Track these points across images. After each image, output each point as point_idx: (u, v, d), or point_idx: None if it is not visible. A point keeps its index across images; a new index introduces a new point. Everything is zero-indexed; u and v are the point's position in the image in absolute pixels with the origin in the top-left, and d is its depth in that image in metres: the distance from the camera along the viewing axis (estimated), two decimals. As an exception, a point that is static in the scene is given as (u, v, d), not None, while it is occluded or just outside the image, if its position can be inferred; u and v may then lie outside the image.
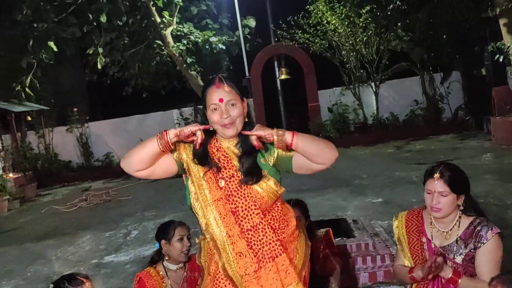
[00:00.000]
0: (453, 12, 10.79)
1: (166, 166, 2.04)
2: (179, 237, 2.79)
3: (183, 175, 2.11)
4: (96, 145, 13.43)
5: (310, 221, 3.18)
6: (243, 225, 1.95)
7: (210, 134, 2.04)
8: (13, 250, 6.53)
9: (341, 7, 11.74)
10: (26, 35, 11.13)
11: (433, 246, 2.28)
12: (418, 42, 11.74)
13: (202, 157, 2.00)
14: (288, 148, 1.92)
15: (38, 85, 11.61)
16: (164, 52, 11.97)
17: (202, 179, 1.99)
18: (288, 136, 1.88)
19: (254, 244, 1.94)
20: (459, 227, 2.23)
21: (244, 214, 1.95)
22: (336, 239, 3.68)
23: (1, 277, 5.42)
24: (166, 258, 2.84)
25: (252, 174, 1.95)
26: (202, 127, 1.95)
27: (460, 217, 2.24)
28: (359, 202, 6.36)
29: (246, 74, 12.79)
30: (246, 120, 2.01)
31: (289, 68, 13.07)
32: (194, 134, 1.94)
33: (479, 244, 2.15)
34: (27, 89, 11.37)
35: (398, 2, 10.66)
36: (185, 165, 2.03)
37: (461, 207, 2.23)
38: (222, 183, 1.98)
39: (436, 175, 2.20)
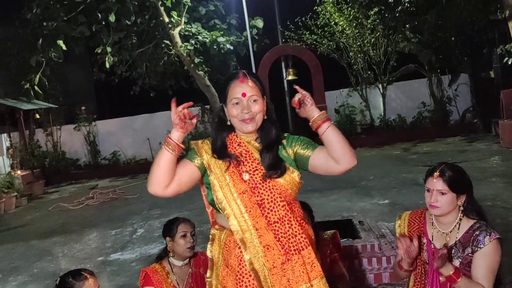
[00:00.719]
0: (461, 14, 10.74)
1: (189, 173, 1.99)
2: (182, 234, 2.81)
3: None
4: (103, 143, 13.50)
5: (315, 223, 3.17)
6: (269, 218, 1.95)
7: (229, 129, 2.04)
8: (20, 247, 6.57)
9: (349, 9, 11.73)
10: (35, 33, 11.21)
11: (432, 247, 2.27)
12: (426, 44, 11.69)
13: (221, 150, 2.00)
14: (317, 128, 1.92)
15: (46, 83, 11.65)
16: (172, 52, 11.99)
17: (224, 174, 1.97)
18: (323, 117, 1.93)
19: (282, 237, 1.94)
20: (459, 229, 2.22)
21: (270, 206, 1.95)
22: (342, 240, 3.68)
23: (7, 274, 5.47)
24: (171, 254, 2.86)
25: (275, 168, 1.96)
26: (185, 104, 1.88)
27: (461, 219, 2.23)
28: (365, 204, 6.34)
29: (253, 75, 12.76)
30: (265, 117, 2.01)
31: (296, 69, 13.03)
32: (185, 116, 1.88)
33: (476, 249, 2.14)
34: (36, 87, 11.44)
35: (406, 4, 10.62)
36: (205, 163, 2.01)
37: (461, 208, 2.22)
38: (247, 177, 1.98)
39: (436, 173, 2.20)
